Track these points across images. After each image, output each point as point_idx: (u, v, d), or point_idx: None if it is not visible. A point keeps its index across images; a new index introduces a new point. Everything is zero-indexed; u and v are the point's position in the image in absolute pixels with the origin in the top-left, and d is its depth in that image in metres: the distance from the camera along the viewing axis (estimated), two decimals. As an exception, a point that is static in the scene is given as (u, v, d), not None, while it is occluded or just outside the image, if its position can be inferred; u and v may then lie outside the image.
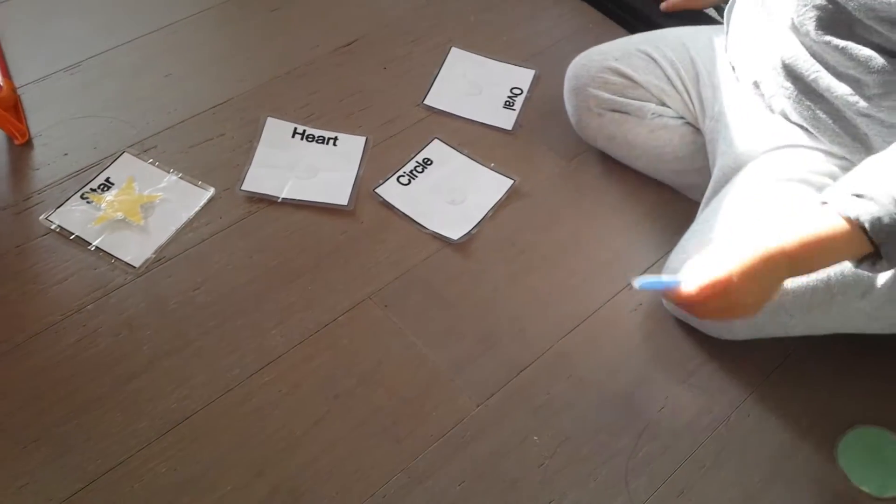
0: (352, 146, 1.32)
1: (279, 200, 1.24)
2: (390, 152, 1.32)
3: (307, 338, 1.10)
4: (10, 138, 1.29)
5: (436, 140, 1.33)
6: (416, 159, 1.31)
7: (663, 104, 1.24)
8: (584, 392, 1.07)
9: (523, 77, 1.45)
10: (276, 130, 1.33)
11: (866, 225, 0.82)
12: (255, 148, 1.30)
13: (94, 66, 1.42)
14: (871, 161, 0.88)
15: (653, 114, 1.24)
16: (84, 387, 1.04)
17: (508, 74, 1.45)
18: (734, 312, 0.91)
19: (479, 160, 1.31)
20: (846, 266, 0.99)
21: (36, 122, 1.33)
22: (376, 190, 1.26)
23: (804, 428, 1.06)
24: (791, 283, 1.00)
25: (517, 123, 1.37)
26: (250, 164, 1.28)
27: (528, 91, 1.42)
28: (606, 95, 1.25)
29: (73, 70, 1.41)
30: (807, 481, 1.01)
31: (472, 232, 1.22)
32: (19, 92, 1.36)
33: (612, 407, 1.06)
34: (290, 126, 1.34)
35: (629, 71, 1.25)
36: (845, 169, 1.04)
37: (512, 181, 1.28)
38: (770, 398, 1.08)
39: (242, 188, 1.25)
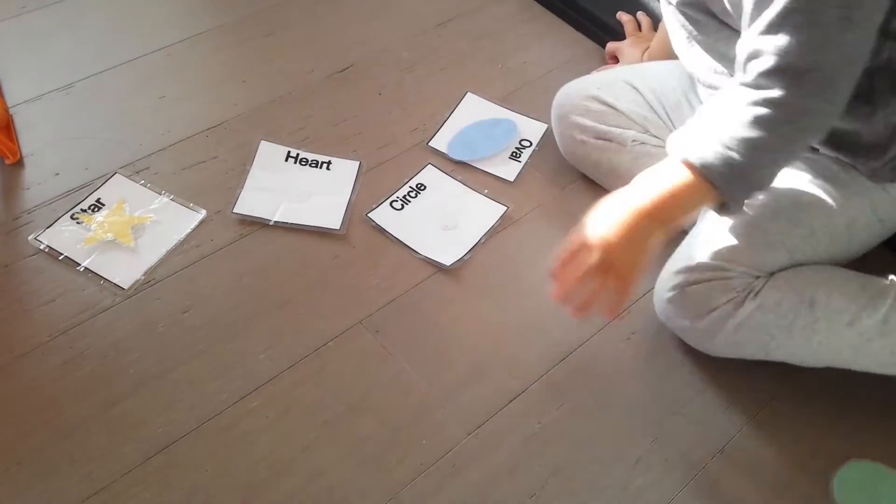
0: (345, 170, 1.32)
1: (271, 223, 1.23)
2: (383, 177, 1.31)
3: (296, 363, 1.09)
4: (2, 157, 1.28)
5: (429, 165, 1.33)
6: (409, 184, 1.30)
7: (647, 132, 1.25)
8: (576, 422, 1.06)
9: (534, 130, 1.42)
10: (269, 154, 1.33)
11: (699, 168, 0.90)
12: (248, 171, 1.30)
13: (87, 86, 1.42)
14: (706, 107, 0.96)
15: (633, 141, 1.25)
16: (69, 409, 1.02)
17: (519, 124, 1.42)
18: (616, 273, 0.94)
19: (473, 186, 1.31)
20: (832, 285, 1.01)
21: (28, 142, 1.32)
22: (369, 214, 1.25)
23: (799, 461, 1.05)
24: (774, 302, 1.01)
25: (520, 176, 1.35)
26: (243, 186, 1.27)
27: (537, 145, 1.39)
28: (588, 123, 1.26)
29: (66, 90, 1.41)
30: (800, 516, 1.01)
31: (465, 258, 1.22)
32: (11, 111, 1.35)
33: (605, 437, 1.05)
34: (284, 150, 1.33)
35: (611, 99, 1.26)
36: (833, 183, 1.05)
37: (505, 208, 1.28)
38: (764, 431, 1.07)
39: (234, 211, 1.24)
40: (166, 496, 0.96)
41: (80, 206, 1.23)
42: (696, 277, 1.04)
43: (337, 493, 0.98)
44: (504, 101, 1.46)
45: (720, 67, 1.07)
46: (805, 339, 1.01)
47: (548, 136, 1.39)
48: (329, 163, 1.32)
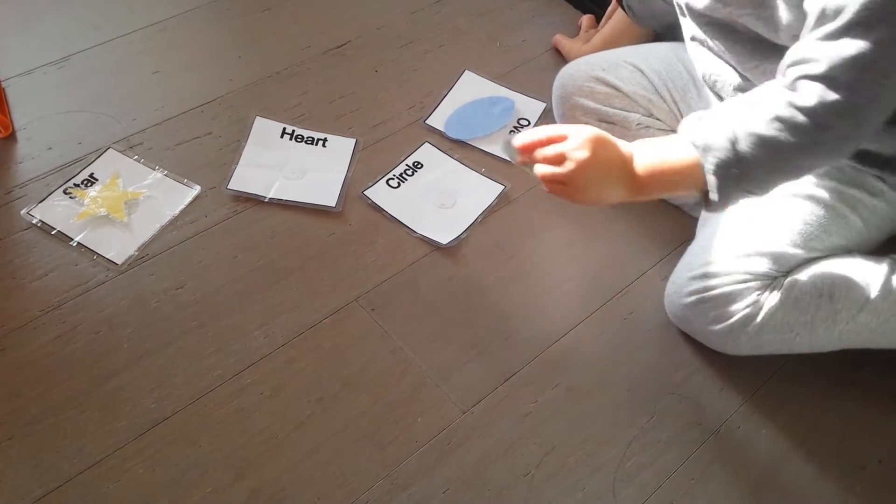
0: (341, 148, 1.30)
1: (266, 200, 1.22)
2: (380, 155, 1.30)
3: (291, 340, 1.08)
4: (-6, 131, 1.27)
5: (426, 144, 1.32)
6: (406, 162, 1.29)
7: (651, 115, 1.24)
8: (573, 401, 1.06)
9: (533, 108, 1.40)
10: (264, 130, 1.32)
11: (700, 148, 0.89)
12: (243, 147, 1.28)
13: (81, 60, 1.41)
14: (733, 101, 0.94)
15: (638, 124, 1.23)
16: (62, 384, 1.01)
17: (518, 103, 1.40)
18: (572, 188, 0.94)
19: (470, 165, 1.30)
20: (848, 275, 1.00)
21: (20, 116, 1.30)
22: (365, 192, 1.24)
23: (794, 442, 1.05)
24: (794, 300, 1.01)
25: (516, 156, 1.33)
26: (237, 163, 1.26)
27: (536, 125, 1.38)
28: (592, 105, 1.25)
29: (60, 64, 1.39)
30: (796, 497, 1.00)
31: (462, 237, 1.21)
32: (4, 85, 1.34)
33: (601, 416, 1.05)
34: (279, 126, 1.32)
35: (615, 81, 1.25)
36: (846, 182, 1.04)
37: (503, 187, 1.27)
38: (760, 411, 1.07)
39: (228, 187, 1.23)
40: (160, 471, 0.96)
41: (73, 180, 1.21)
42: (715, 283, 1.04)
43: (331, 470, 0.98)
44: (502, 80, 1.44)
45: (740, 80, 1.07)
46: (827, 330, 1.02)
47: (546, 115, 1.38)
48: (325, 140, 1.31)
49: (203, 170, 1.25)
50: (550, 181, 0.94)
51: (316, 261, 1.17)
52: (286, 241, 1.19)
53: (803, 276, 1.02)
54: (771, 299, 1.01)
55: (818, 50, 0.84)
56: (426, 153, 1.31)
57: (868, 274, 1.01)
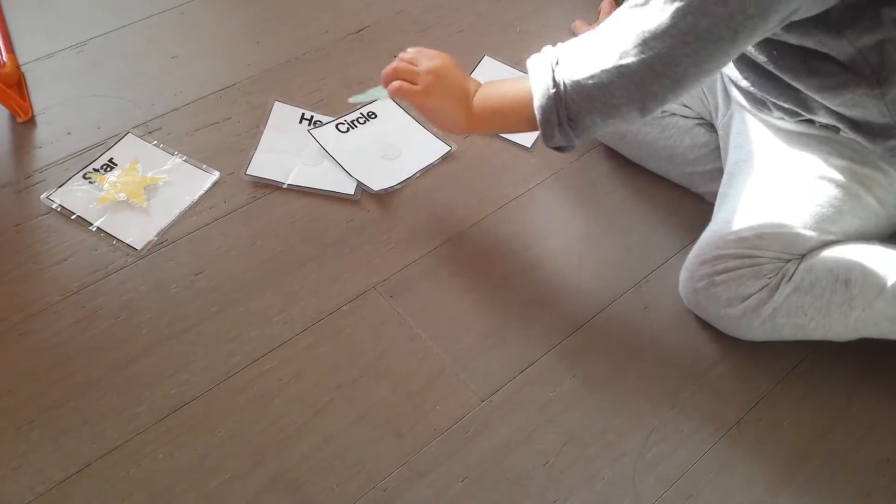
0: (360, 134, 1.30)
1: (284, 186, 1.22)
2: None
3: (310, 326, 1.08)
4: (13, 115, 1.27)
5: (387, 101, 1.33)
6: (360, 111, 1.32)
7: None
8: (592, 390, 1.05)
9: None
10: (283, 115, 1.31)
11: (533, 92, 0.97)
12: (262, 132, 1.28)
13: (100, 45, 1.40)
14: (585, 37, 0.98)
15: (663, 112, 1.22)
16: (81, 369, 1.02)
17: None
18: (418, 93, 1.08)
19: (423, 123, 1.31)
20: (865, 261, 0.99)
21: (39, 100, 1.30)
22: (311, 131, 1.27)
23: (817, 434, 1.04)
24: (809, 284, 0.99)
25: (537, 142, 1.32)
26: (256, 148, 1.26)
27: None
28: None
29: (78, 48, 1.39)
30: (818, 489, 0.99)
31: (395, 188, 1.23)
32: (23, 69, 1.34)
33: (620, 407, 1.04)
34: (298, 111, 1.31)
35: None
36: (859, 161, 1.03)
37: (449, 148, 1.28)
38: (783, 402, 1.06)
39: (247, 173, 1.22)
40: (179, 457, 0.96)
41: (93, 165, 1.21)
42: (726, 266, 1.03)
43: (349, 457, 0.97)
44: (522, 65, 1.42)
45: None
46: (843, 315, 1.00)
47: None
48: (344, 125, 1.31)
49: (222, 155, 1.25)
50: (398, 90, 1.09)
51: (335, 247, 1.16)
52: (305, 227, 1.18)
53: (818, 260, 1.00)
54: (784, 282, 1.00)
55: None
56: (384, 106, 1.33)
57: (886, 261, 1.00)
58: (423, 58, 1.10)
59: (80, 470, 0.94)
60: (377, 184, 1.22)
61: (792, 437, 1.03)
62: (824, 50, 0.92)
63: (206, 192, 1.20)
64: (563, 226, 1.23)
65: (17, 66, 1.32)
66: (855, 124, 1.00)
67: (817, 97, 0.98)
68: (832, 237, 1.02)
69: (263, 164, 1.24)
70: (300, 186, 1.22)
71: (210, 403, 1.00)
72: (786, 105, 1.03)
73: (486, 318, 1.11)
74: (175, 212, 1.18)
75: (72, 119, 1.28)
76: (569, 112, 0.96)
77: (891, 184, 1.03)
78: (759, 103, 1.09)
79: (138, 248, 1.13)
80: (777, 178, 1.06)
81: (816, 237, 1.02)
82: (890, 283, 0.98)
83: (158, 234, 1.15)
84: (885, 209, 1.04)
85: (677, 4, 0.84)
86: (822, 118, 1.02)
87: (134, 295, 1.09)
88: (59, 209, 1.16)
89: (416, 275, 1.14)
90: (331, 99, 1.35)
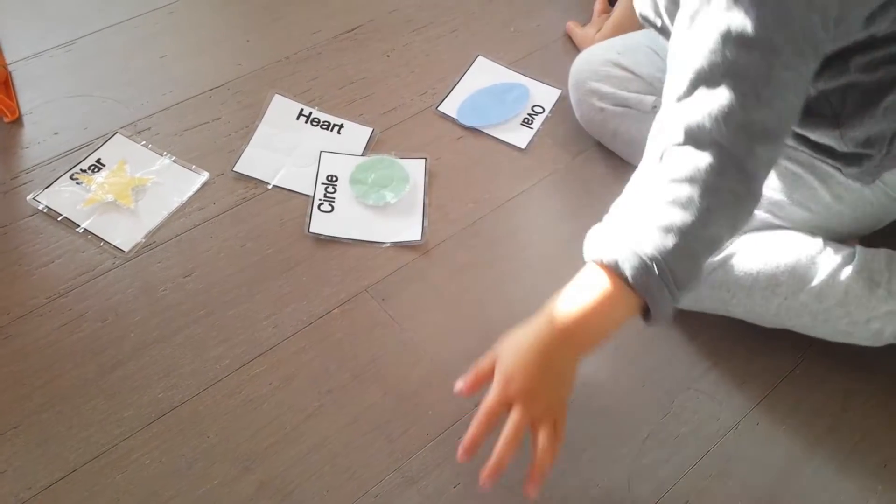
0: (356, 136, 1.28)
1: (270, 187, 1.20)
2: (392, 142, 1.28)
3: (300, 330, 1.07)
4: (0, 115, 1.25)
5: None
6: (320, 182, 1.21)
7: None
8: (586, 395, 1.04)
9: (547, 95, 1.37)
10: (281, 109, 1.29)
11: (628, 277, 0.76)
12: (256, 126, 1.26)
13: (87, 44, 1.39)
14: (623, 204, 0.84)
15: (654, 107, 1.21)
16: (67, 373, 1.00)
17: (532, 90, 1.38)
18: (542, 420, 0.81)
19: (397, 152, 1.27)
20: (798, 251, 0.99)
21: (26, 100, 1.29)
22: (311, 230, 1.16)
23: (815, 438, 1.02)
24: (737, 264, 1.00)
25: (532, 143, 1.31)
26: (248, 143, 1.24)
27: (550, 112, 1.35)
28: (608, 89, 1.23)
29: (66, 48, 1.37)
30: (817, 493, 0.98)
31: (426, 225, 1.18)
32: (10, 68, 1.32)
33: (615, 412, 1.03)
34: (297, 106, 1.30)
35: (631, 65, 1.22)
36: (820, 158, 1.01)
37: (424, 159, 1.25)
38: (780, 406, 1.04)
39: (234, 169, 1.21)
40: (167, 462, 0.94)
41: (80, 166, 1.19)
42: None
43: (340, 463, 0.96)
44: (516, 65, 1.42)
45: None
46: (765, 299, 1.00)
47: (561, 102, 1.36)
48: (342, 126, 1.29)
49: (211, 156, 1.23)
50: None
51: (325, 250, 1.15)
52: (295, 229, 1.16)
53: (753, 240, 1.00)
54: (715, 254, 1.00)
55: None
56: (330, 163, 1.23)
57: (820, 258, 0.99)
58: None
59: (66, 475, 0.92)
60: (412, 234, 1.17)
61: (790, 442, 1.02)
62: None
63: (195, 193, 1.19)
64: (557, 227, 1.22)
65: (5, 66, 1.31)
66: (818, 147, 0.99)
67: None
68: (778, 222, 1.03)
69: (253, 161, 1.23)
70: (285, 189, 1.20)
71: (198, 408, 0.98)
72: None
73: (478, 321, 1.10)
74: (163, 213, 1.16)
75: (59, 119, 1.26)
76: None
77: (850, 184, 1.01)
78: None
79: (126, 249, 1.11)
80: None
81: (759, 216, 1.02)
82: (817, 279, 0.98)
83: (146, 235, 1.13)
84: (842, 206, 1.02)
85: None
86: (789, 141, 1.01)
87: (121, 297, 1.07)
88: (45, 210, 1.14)
89: (408, 278, 1.13)
90: (322, 99, 1.33)
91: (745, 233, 1.01)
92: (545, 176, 1.27)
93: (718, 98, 0.76)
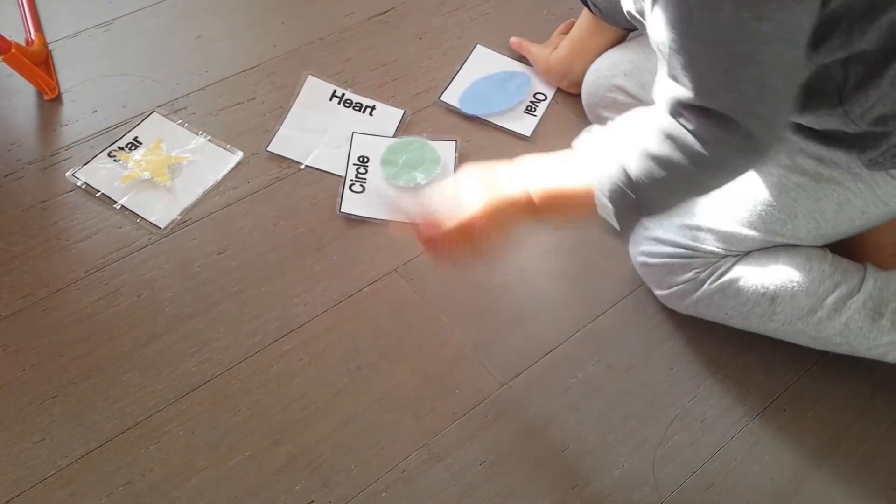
0: (388, 118, 1.29)
1: (302, 167, 1.21)
2: (423, 124, 1.29)
3: (330, 308, 1.08)
4: (40, 93, 1.27)
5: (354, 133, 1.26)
6: (352, 163, 1.22)
7: None
8: (613, 377, 1.05)
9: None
10: (314, 90, 1.31)
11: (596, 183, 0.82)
12: (290, 107, 1.28)
13: (125, 24, 1.40)
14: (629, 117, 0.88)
15: None
16: (103, 345, 1.02)
17: (534, 78, 1.36)
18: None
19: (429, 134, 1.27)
20: (799, 283, 0.97)
21: (66, 78, 1.31)
22: (343, 210, 1.18)
23: (842, 425, 1.02)
24: (735, 290, 1.00)
25: (536, 131, 1.30)
26: (282, 124, 1.25)
27: (553, 98, 1.34)
28: (616, 117, 1.20)
29: (104, 27, 1.39)
30: (842, 482, 0.98)
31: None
32: (51, 47, 1.34)
33: (642, 394, 1.03)
34: (330, 88, 1.31)
35: (636, 88, 1.19)
36: (828, 162, 0.97)
37: (454, 141, 1.21)
38: (808, 393, 1.04)
39: (268, 149, 1.22)
40: (199, 434, 0.96)
41: (118, 143, 1.22)
42: (660, 251, 1.04)
43: (367, 439, 0.97)
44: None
45: None
46: (761, 324, 1.01)
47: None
48: (373, 108, 1.30)
49: (246, 135, 1.25)
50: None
51: (356, 230, 1.16)
52: (327, 208, 1.18)
53: (752, 268, 0.99)
54: (711, 281, 1.00)
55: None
56: (362, 144, 1.25)
57: (823, 288, 0.97)
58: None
59: (101, 445, 0.95)
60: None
61: (816, 429, 1.02)
62: None
63: (230, 171, 1.21)
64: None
65: (45, 44, 1.33)
66: (828, 138, 0.95)
67: None
68: (781, 239, 1.00)
69: (286, 141, 1.24)
70: (318, 169, 1.22)
71: (230, 382, 1.00)
72: None
73: (506, 302, 1.10)
74: (199, 191, 1.18)
75: (97, 97, 1.28)
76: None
77: (860, 189, 0.96)
78: None
79: (162, 226, 1.14)
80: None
81: (759, 237, 0.99)
82: (817, 312, 0.97)
83: (182, 212, 1.15)
84: (846, 213, 0.98)
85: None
86: (793, 137, 0.98)
87: (157, 273, 1.09)
88: (83, 186, 1.16)
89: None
90: (354, 81, 1.34)
91: (742, 261, 1.00)
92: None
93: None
